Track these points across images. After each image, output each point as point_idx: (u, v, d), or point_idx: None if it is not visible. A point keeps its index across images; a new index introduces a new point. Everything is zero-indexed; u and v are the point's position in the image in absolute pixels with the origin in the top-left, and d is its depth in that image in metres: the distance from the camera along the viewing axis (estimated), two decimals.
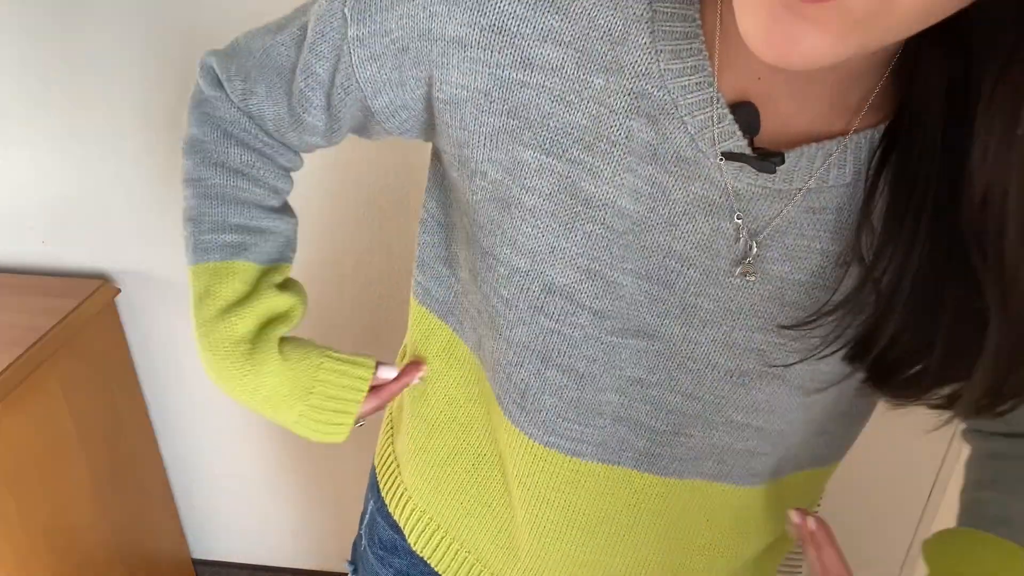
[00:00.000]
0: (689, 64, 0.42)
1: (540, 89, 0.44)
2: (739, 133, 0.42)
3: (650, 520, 0.57)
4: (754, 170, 0.42)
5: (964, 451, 1.37)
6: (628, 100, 0.43)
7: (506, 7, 0.43)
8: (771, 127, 0.43)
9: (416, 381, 0.68)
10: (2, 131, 1.29)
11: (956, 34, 0.36)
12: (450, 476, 0.64)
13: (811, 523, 0.54)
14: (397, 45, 0.46)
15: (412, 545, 0.68)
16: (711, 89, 0.42)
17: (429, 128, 0.51)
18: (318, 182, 1.26)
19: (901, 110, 0.42)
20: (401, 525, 0.69)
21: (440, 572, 0.68)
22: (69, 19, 1.19)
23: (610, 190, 0.45)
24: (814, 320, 0.45)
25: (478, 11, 0.43)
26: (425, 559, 0.68)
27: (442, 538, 0.66)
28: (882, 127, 0.42)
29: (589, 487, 0.56)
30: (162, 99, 1.23)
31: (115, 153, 1.29)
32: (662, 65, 0.42)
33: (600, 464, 0.55)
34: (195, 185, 0.60)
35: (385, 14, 0.46)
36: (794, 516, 0.55)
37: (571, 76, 0.43)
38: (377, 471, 0.74)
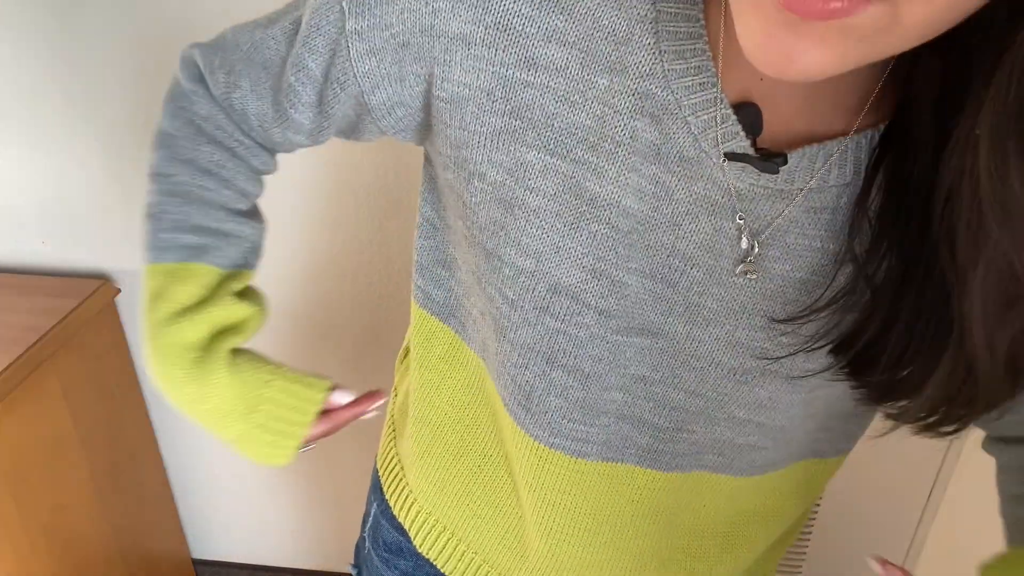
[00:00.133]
0: (693, 64, 0.42)
1: (544, 89, 0.43)
2: (742, 134, 0.42)
3: (653, 514, 0.57)
4: (756, 171, 0.43)
5: (964, 451, 1.38)
6: (632, 100, 0.43)
7: (511, 6, 0.42)
8: (773, 127, 0.43)
9: (371, 413, 0.66)
10: (2, 131, 1.29)
11: (954, 35, 0.36)
12: (456, 477, 0.63)
13: (894, 573, 0.53)
14: (397, 40, 0.46)
15: (418, 547, 0.68)
16: (714, 90, 0.42)
17: (424, 128, 0.50)
18: (318, 182, 1.26)
19: (899, 110, 0.42)
20: (406, 527, 0.69)
21: (447, 574, 0.67)
22: (68, 19, 1.19)
23: (615, 190, 0.45)
24: (806, 315, 0.45)
25: (483, 8, 0.43)
26: (431, 561, 0.68)
27: (448, 539, 0.66)
28: (882, 127, 0.43)
29: (593, 487, 0.56)
30: (162, 99, 1.23)
31: (115, 153, 1.29)
32: (666, 65, 0.42)
33: (604, 463, 0.55)
34: (160, 180, 0.58)
35: (385, 8, 0.45)
36: (877, 567, 0.54)
37: (575, 76, 0.43)
38: (380, 473, 0.73)
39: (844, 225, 0.45)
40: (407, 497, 0.68)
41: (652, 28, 0.42)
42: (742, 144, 0.42)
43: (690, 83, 0.42)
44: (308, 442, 0.64)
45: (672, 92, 0.42)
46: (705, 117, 0.42)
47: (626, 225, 0.46)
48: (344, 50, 0.47)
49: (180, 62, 0.57)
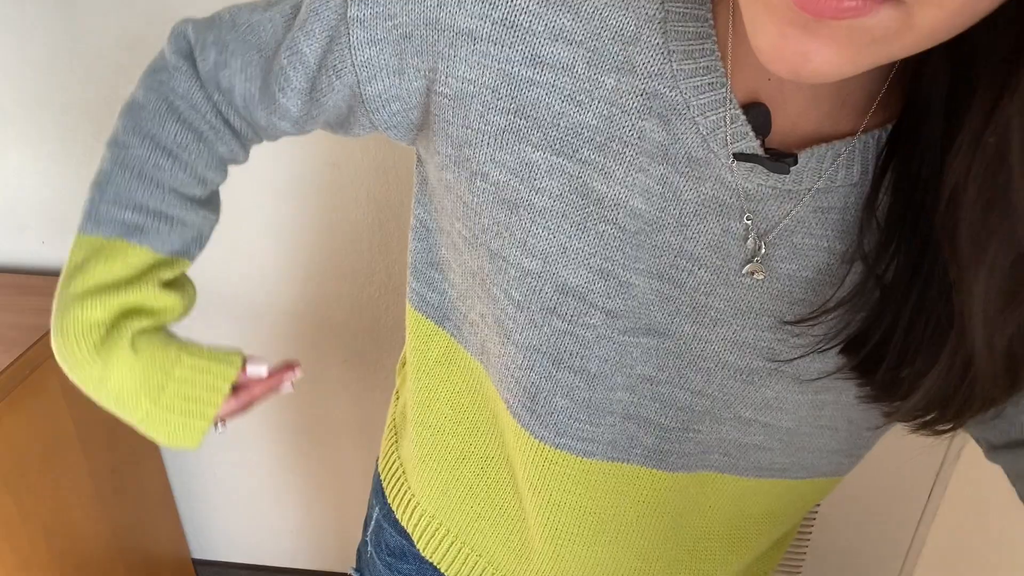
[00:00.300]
0: (701, 65, 0.41)
1: (550, 88, 0.43)
2: (751, 134, 0.42)
3: (658, 514, 0.57)
4: (765, 171, 0.42)
5: (964, 451, 1.38)
6: (640, 100, 0.43)
7: (519, 2, 0.42)
8: (781, 127, 0.43)
9: (287, 387, 0.63)
10: (2, 133, 1.29)
11: (963, 36, 0.36)
12: (458, 480, 0.63)
13: None
14: (400, 31, 0.45)
15: (421, 550, 0.67)
16: (723, 90, 0.41)
17: (418, 128, 0.49)
18: (319, 183, 1.26)
19: (906, 109, 0.42)
20: (409, 531, 0.68)
21: None
22: (68, 20, 1.19)
23: (622, 190, 0.44)
24: (817, 316, 0.45)
25: (490, 4, 0.42)
26: (435, 564, 0.67)
27: (452, 542, 0.66)
28: (889, 126, 0.42)
29: (599, 487, 0.56)
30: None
31: None
32: (674, 65, 0.42)
33: (609, 463, 0.54)
34: (116, 149, 0.56)
35: None
36: None
37: (582, 76, 0.43)
38: (382, 477, 0.73)
39: (851, 225, 0.44)
40: (409, 501, 0.68)
41: (660, 28, 0.41)
42: (751, 144, 0.42)
43: (699, 83, 0.42)
44: (222, 420, 0.62)
45: (681, 92, 0.42)
46: (714, 117, 0.42)
47: (633, 226, 0.45)
48: (343, 37, 0.46)
49: (170, 35, 0.55)
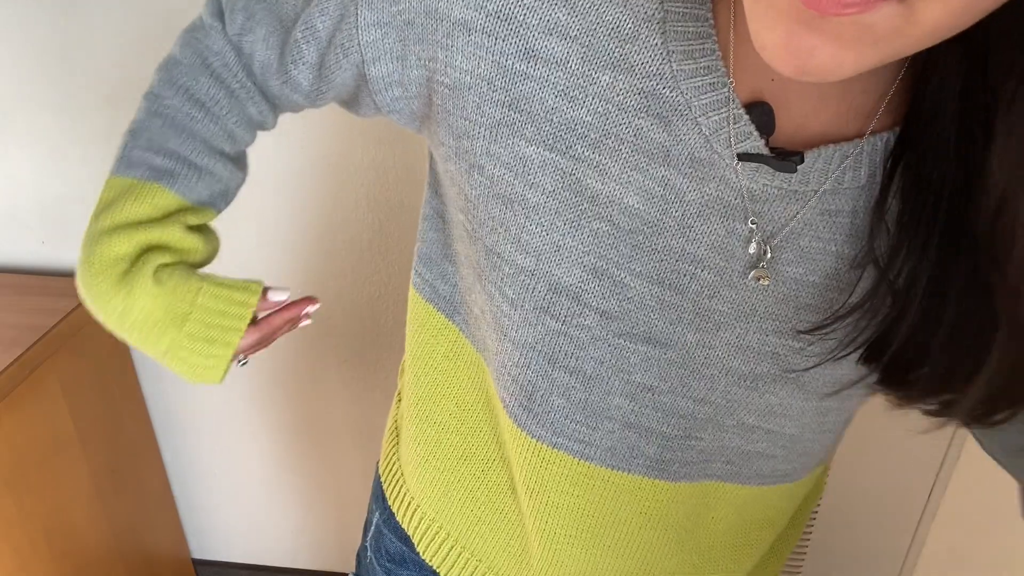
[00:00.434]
0: (702, 65, 0.41)
1: (543, 83, 0.43)
2: (756, 133, 0.41)
3: (662, 526, 0.56)
4: (770, 171, 0.42)
5: (964, 451, 1.38)
6: (637, 99, 0.42)
7: None
8: (786, 129, 0.42)
9: (305, 321, 0.63)
10: (2, 132, 1.29)
11: (973, 35, 0.35)
12: (459, 482, 0.62)
13: None
14: (403, 17, 0.45)
15: (421, 554, 0.67)
16: (725, 90, 0.41)
17: (421, 117, 0.50)
18: (319, 183, 1.26)
19: (915, 112, 0.41)
20: (410, 534, 0.68)
21: None
22: (68, 20, 1.19)
23: (617, 188, 0.44)
24: (830, 324, 0.45)
25: None
26: (435, 568, 0.67)
27: (452, 547, 0.65)
28: (897, 129, 0.42)
29: (598, 491, 0.55)
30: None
31: (114, 153, 1.29)
32: (674, 66, 0.41)
33: (609, 470, 0.54)
34: (151, 100, 0.57)
35: None
36: None
37: (576, 71, 0.42)
38: (383, 480, 0.72)
39: (860, 229, 0.44)
40: (410, 503, 0.68)
41: (659, 28, 0.41)
42: (756, 144, 0.41)
43: (700, 83, 0.41)
44: (243, 354, 0.62)
45: (682, 93, 0.42)
46: (716, 118, 0.42)
47: (628, 224, 0.45)
48: (352, 16, 0.47)
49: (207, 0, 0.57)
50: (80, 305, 1.28)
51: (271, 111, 0.59)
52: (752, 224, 0.44)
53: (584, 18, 0.42)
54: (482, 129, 0.45)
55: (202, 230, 0.60)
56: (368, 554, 0.74)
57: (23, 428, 1.18)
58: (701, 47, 0.41)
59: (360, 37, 0.47)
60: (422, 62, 0.46)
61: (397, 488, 0.69)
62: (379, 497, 0.73)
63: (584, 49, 0.42)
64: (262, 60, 0.54)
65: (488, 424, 0.59)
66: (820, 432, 0.53)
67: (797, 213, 0.44)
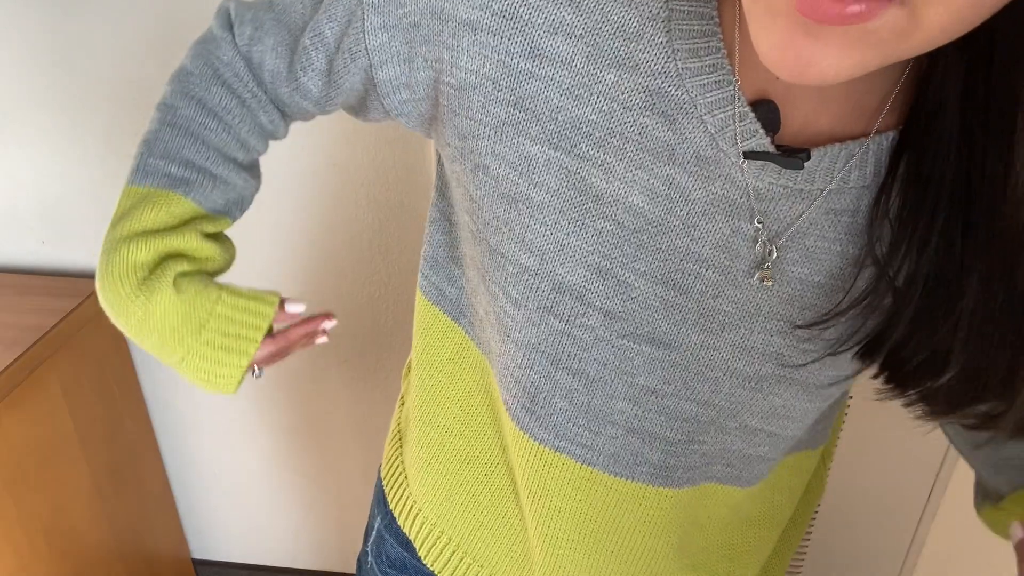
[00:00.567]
0: (707, 63, 0.41)
1: (548, 81, 0.43)
2: (761, 131, 0.41)
3: (663, 530, 0.56)
4: (776, 170, 0.42)
5: None
6: (642, 97, 0.42)
7: None
8: (791, 128, 0.42)
9: (322, 338, 0.64)
10: (2, 131, 1.29)
11: (974, 33, 0.35)
12: (462, 486, 0.62)
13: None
14: (409, 19, 0.46)
15: (423, 559, 0.67)
16: (731, 87, 0.41)
17: (429, 119, 0.50)
18: (319, 183, 1.26)
19: (916, 110, 0.41)
20: (412, 539, 0.68)
21: None
22: (68, 19, 1.19)
23: (622, 186, 0.44)
24: (829, 319, 0.45)
25: None
26: (436, 574, 0.67)
27: (453, 552, 0.65)
28: (902, 128, 0.42)
29: (601, 497, 0.55)
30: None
31: (114, 153, 1.29)
32: (679, 64, 0.41)
33: (612, 477, 0.54)
34: (164, 111, 0.58)
35: None
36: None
37: (581, 70, 0.42)
38: (385, 484, 0.72)
39: (863, 228, 0.44)
40: (412, 507, 0.67)
41: (664, 27, 0.41)
42: (762, 142, 0.41)
43: (705, 81, 0.41)
44: (258, 365, 0.62)
45: (687, 91, 0.42)
46: (722, 116, 0.41)
47: (633, 223, 0.45)
48: (359, 21, 0.48)
49: (216, 12, 0.58)
50: (80, 305, 1.28)
51: (282, 120, 0.60)
52: (758, 223, 0.44)
53: (589, 17, 0.42)
54: (487, 129, 0.45)
55: (218, 238, 0.61)
56: (369, 559, 0.74)
57: (23, 428, 1.18)
58: (706, 45, 0.41)
59: (367, 41, 0.48)
60: (429, 63, 0.46)
61: (399, 492, 0.69)
62: (381, 501, 0.72)
63: (589, 48, 0.42)
64: (271, 69, 0.55)
65: (492, 428, 0.59)
66: (813, 425, 0.54)
67: (803, 213, 0.44)
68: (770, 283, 0.45)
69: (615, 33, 0.42)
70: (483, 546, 0.63)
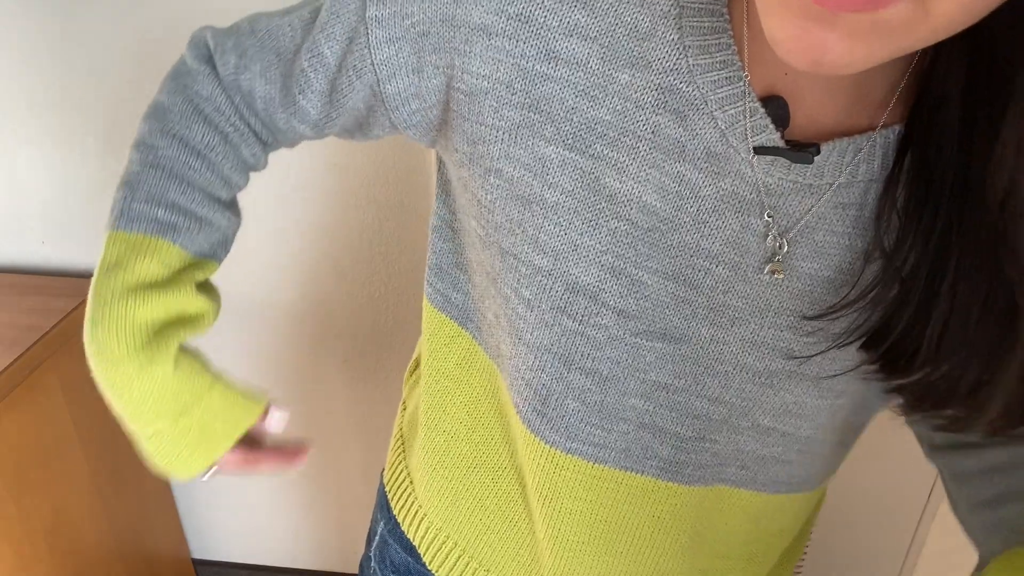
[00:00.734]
0: (718, 59, 0.41)
1: (564, 83, 0.43)
2: (771, 127, 0.41)
3: (674, 530, 0.56)
4: (786, 165, 0.42)
5: None
6: (655, 96, 0.43)
7: None
8: (799, 122, 0.43)
9: (291, 471, 0.62)
10: (2, 132, 1.29)
11: (979, 27, 0.35)
12: (468, 491, 0.62)
13: None
14: (417, 29, 0.45)
15: (428, 564, 0.66)
16: (741, 84, 0.41)
17: (438, 125, 0.50)
18: (319, 184, 1.26)
19: (920, 103, 0.41)
20: (416, 544, 0.67)
21: None
22: (69, 21, 1.19)
23: (635, 186, 0.44)
24: (837, 311, 0.45)
25: None
26: None
27: (459, 556, 0.64)
28: (906, 121, 0.42)
29: (611, 494, 0.55)
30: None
31: (114, 153, 1.29)
32: (690, 60, 0.42)
33: (622, 471, 0.53)
34: (144, 151, 0.56)
35: None
36: None
37: (596, 71, 0.43)
38: (388, 489, 0.71)
39: (870, 221, 0.44)
40: (416, 512, 0.67)
41: (676, 24, 0.41)
42: (772, 138, 0.42)
43: (716, 78, 0.42)
44: (216, 465, 0.60)
45: (698, 87, 0.42)
46: (732, 111, 0.42)
47: (646, 222, 0.45)
48: (363, 37, 0.47)
49: (189, 42, 0.56)
50: (80, 305, 1.28)
51: (263, 152, 0.59)
52: (768, 218, 0.44)
53: (603, 19, 0.42)
54: (500, 133, 0.45)
55: (207, 288, 0.60)
56: (372, 564, 0.73)
57: (23, 428, 1.18)
58: (717, 41, 0.41)
59: (373, 57, 0.47)
60: (439, 71, 0.46)
61: (404, 496, 0.69)
62: (383, 506, 0.72)
63: (604, 49, 0.42)
64: (263, 95, 0.54)
65: (500, 433, 0.59)
66: (833, 432, 0.53)
67: (812, 207, 0.44)
68: (781, 276, 0.46)
69: (628, 33, 0.42)
70: (489, 550, 0.63)
